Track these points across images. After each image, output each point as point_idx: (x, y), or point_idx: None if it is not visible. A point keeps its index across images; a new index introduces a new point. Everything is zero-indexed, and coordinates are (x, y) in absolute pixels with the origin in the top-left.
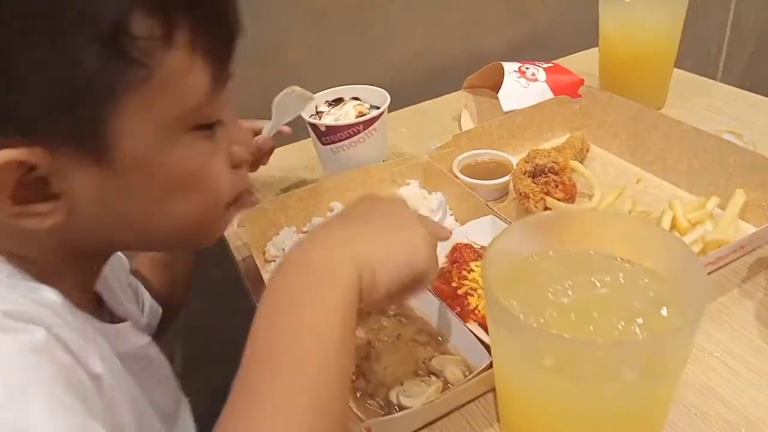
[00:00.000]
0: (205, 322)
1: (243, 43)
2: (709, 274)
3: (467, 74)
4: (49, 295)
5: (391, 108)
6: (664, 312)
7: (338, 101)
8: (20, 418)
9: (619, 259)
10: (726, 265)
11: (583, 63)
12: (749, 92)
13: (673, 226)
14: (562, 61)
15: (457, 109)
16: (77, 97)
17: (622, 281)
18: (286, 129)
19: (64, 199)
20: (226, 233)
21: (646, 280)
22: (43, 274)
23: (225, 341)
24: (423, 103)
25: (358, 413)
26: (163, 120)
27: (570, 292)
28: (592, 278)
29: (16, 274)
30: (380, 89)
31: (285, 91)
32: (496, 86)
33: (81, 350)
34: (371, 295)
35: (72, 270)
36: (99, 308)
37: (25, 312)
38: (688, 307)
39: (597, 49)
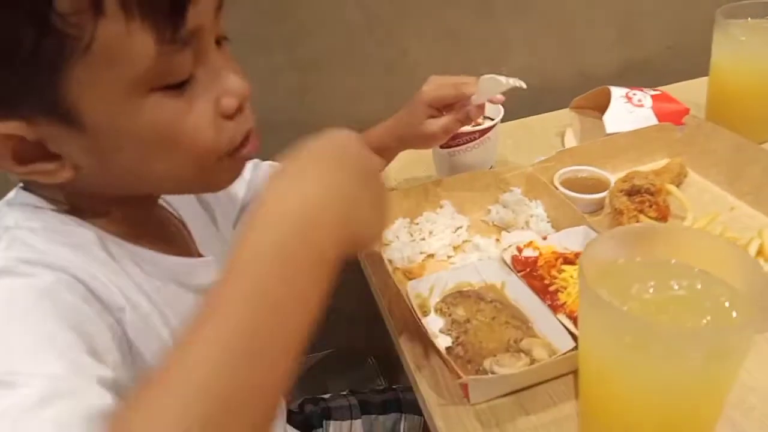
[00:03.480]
0: None
1: (373, 57)
2: None
3: (573, 94)
4: (85, 235)
5: (502, 119)
6: (733, 315)
7: None
8: (2, 343)
9: (698, 269)
10: None
11: (691, 92)
12: None
13: (760, 252)
14: (670, 88)
15: (560, 126)
16: (27, 74)
17: (699, 287)
18: (499, 97)
19: (64, 157)
20: None
21: (721, 290)
22: (88, 216)
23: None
24: (529, 117)
25: (458, 370)
26: (117, 85)
27: (651, 290)
28: (672, 281)
29: (66, 219)
30: (501, 77)
31: (489, 76)
32: (602, 108)
33: (100, 283)
34: (346, 253)
35: (119, 210)
36: (170, 242)
37: (41, 259)
38: (755, 314)
39: (706, 78)
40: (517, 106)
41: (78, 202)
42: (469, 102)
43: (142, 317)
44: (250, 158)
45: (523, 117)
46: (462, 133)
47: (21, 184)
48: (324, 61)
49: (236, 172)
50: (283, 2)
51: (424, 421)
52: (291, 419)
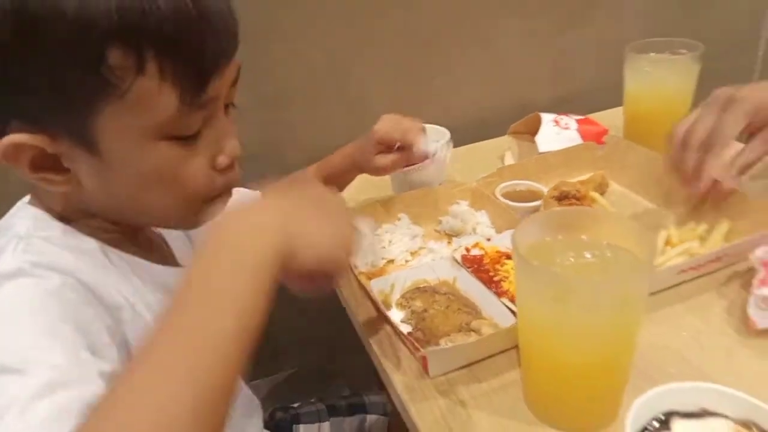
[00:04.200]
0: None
1: (333, 94)
2: (692, 279)
3: (513, 122)
4: (89, 243)
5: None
6: (632, 272)
7: None
8: (12, 335)
9: (607, 243)
10: (708, 273)
11: (611, 117)
12: None
13: (668, 242)
14: (593, 116)
15: (501, 150)
16: (66, 103)
17: (608, 255)
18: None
19: (72, 173)
20: None
21: (625, 257)
22: (88, 229)
23: None
24: (474, 143)
25: (418, 346)
26: (138, 128)
27: (570, 260)
28: (586, 252)
29: (70, 230)
30: (441, 127)
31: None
32: (535, 133)
33: (102, 286)
34: (291, 265)
35: (114, 226)
36: (155, 253)
37: (51, 262)
38: (648, 270)
39: (621, 108)
40: (464, 135)
41: (78, 217)
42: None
43: (139, 318)
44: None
45: (468, 144)
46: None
47: (27, 199)
48: (286, 99)
49: (212, 216)
50: (249, 46)
51: (389, 420)
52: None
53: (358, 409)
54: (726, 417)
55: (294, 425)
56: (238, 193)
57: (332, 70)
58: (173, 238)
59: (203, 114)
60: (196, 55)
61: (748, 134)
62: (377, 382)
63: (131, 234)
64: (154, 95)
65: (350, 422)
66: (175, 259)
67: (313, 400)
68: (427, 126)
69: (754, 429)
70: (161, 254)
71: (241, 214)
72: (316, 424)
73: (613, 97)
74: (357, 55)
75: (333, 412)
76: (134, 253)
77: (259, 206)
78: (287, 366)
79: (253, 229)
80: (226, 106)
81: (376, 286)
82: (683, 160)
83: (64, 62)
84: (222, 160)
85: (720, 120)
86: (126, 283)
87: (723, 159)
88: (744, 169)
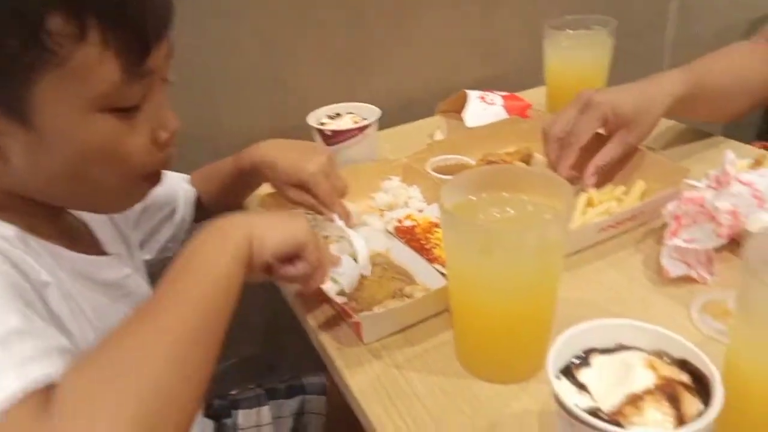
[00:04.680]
0: None
1: (264, 75)
2: (612, 238)
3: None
4: (7, 230)
5: (379, 127)
6: (551, 222)
7: (337, 115)
8: None
9: (528, 198)
10: (626, 231)
11: (536, 95)
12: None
13: (588, 203)
14: (519, 94)
15: (432, 129)
16: (2, 73)
17: (530, 209)
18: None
19: (1, 148)
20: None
21: (545, 210)
22: (7, 214)
23: None
24: (404, 124)
25: (351, 312)
26: (76, 100)
27: (496, 215)
28: (508, 207)
29: None
30: (370, 105)
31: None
32: (463, 110)
33: (26, 264)
34: (260, 255)
35: (36, 211)
36: (77, 241)
37: None
38: (566, 219)
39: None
40: (394, 116)
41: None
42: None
43: (63, 296)
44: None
45: (399, 125)
46: (344, 130)
47: None
48: (214, 79)
49: (141, 197)
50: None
51: (327, 399)
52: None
53: (296, 390)
54: (640, 350)
55: (233, 411)
56: (167, 177)
57: (263, 51)
58: (100, 226)
59: (143, 86)
60: (138, 23)
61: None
62: (316, 363)
63: (52, 220)
64: (96, 64)
65: (290, 404)
66: (100, 247)
67: (252, 386)
68: (358, 104)
69: (665, 357)
70: (83, 242)
71: (215, 223)
72: (255, 409)
73: (538, 75)
74: (288, 37)
75: (272, 395)
76: (55, 241)
77: (232, 218)
78: (227, 356)
79: (230, 226)
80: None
81: None
82: (547, 153)
83: (1, 28)
84: (162, 134)
85: (576, 121)
86: (46, 264)
87: (574, 155)
88: (599, 169)
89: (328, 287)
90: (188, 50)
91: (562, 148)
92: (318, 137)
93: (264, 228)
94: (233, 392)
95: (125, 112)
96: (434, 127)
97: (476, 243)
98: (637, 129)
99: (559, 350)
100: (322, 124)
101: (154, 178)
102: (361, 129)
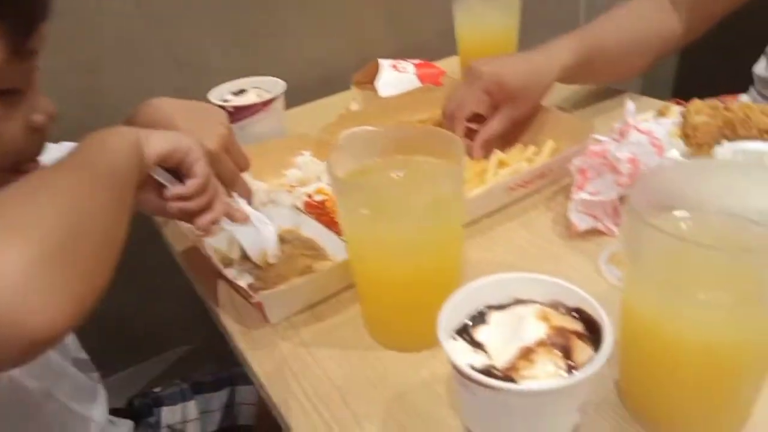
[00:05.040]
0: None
1: (162, 51)
2: (523, 198)
3: None
4: None
5: (292, 105)
6: (444, 179)
7: (241, 92)
8: None
9: (421, 159)
10: (537, 191)
11: (450, 64)
12: None
13: (500, 164)
14: (438, 63)
15: (348, 103)
16: None
17: (426, 168)
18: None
19: None
20: None
21: (437, 170)
22: None
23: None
24: (319, 100)
25: (250, 293)
26: None
27: (393, 177)
28: (401, 170)
29: None
30: (276, 79)
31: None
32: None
33: None
34: (148, 154)
35: None
36: None
37: None
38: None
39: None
40: (309, 93)
41: None
42: None
43: None
44: None
45: (312, 101)
46: (247, 106)
47: None
48: (101, 62)
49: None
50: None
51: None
52: (118, 415)
53: (225, 382)
54: (537, 302)
55: (155, 409)
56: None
57: (154, 29)
58: None
59: (26, 68)
60: (20, 2)
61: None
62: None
63: None
64: None
65: (219, 396)
66: None
67: (177, 381)
68: (262, 78)
69: (561, 308)
70: None
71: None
72: (180, 405)
73: (452, 46)
74: (182, 11)
75: (199, 389)
76: None
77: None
78: (148, 354)
79: (116, 128)
80: None
81: (212, 245)
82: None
83: None
84: (38, 118)
85: (462, 93)
86: None
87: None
88: (486, 143)
89: (234, 273)
90: (69, 32)
91: (450, 120)
92: None
93: (149, 131)
94: (156, 389)
95: (6, 94)
96: (351, 100)
97: (368, 207)
98: (522, 102)
99: (452, 310)
100: (225, 101)
101: (30, 166)
102: (266, 103)
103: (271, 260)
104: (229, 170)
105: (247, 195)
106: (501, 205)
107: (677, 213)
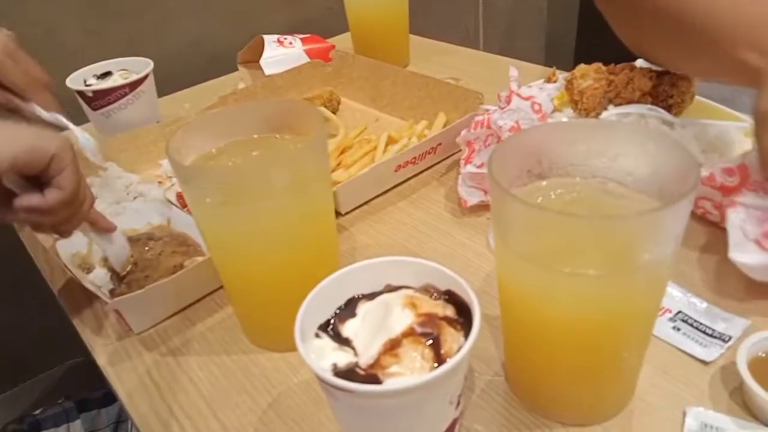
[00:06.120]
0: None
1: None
2: (415, 175)
3: None
4: None
5: (177, 88)
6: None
7: (107, 74)
8: None
9: (278, 136)
10: (430, 167)
11: (345, 41)
12: (474, 50)
13: (390, 141)
14: (332, 40)
15: (236, 83)
16: None
17: (290, 147)
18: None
19: None
20: None
21: (295, 142)
22: None
23: None
24: (207, 82)
25: (105, 299)
26: None
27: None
28: (258, 149)
29: None
30: (144, 58)
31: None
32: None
33: None
34: None
35: None
36: None
37: None
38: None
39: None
40: (196, 75)
41: None
42: None
43: None
44: None
45: (197, 84)
46: (108, 89)
47: None
48: None
49: None
50: None
51: None
52: None
53: (114, 397)
54: (409, 288)
55: None
56: None
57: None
58: None
59: None
60: None
61: None
62: None
63: None
64: None
65: (107, 413)
66: None
67: (60, 401)
68: (130, 59)
69: (434, 292)
70: None
71: None
72: (63, 426)
73: (344, 23)
74: None
75: (84, 406)
76: None
77: None
78: (32, 374)
79: None
80: None
81: (66, 249)
82: None
83: None
84: None
85: None
86: None
87: None
88: None
89: (96, 272)
90: None
91: None
92: (81, 102)
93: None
94: (36, 412)
95: None
96: (239, 81)
97: (217, 195)
98: None
99: (312, 304)
100: (87, 85)
101: None
102: (132, 86)
103: (125, 268)
104: (20, 76)
105: (49, 104)
106: (390, 185)
107: (544, 183)
